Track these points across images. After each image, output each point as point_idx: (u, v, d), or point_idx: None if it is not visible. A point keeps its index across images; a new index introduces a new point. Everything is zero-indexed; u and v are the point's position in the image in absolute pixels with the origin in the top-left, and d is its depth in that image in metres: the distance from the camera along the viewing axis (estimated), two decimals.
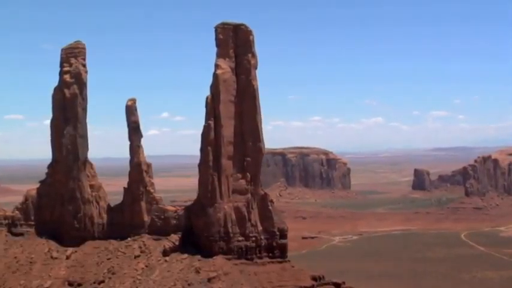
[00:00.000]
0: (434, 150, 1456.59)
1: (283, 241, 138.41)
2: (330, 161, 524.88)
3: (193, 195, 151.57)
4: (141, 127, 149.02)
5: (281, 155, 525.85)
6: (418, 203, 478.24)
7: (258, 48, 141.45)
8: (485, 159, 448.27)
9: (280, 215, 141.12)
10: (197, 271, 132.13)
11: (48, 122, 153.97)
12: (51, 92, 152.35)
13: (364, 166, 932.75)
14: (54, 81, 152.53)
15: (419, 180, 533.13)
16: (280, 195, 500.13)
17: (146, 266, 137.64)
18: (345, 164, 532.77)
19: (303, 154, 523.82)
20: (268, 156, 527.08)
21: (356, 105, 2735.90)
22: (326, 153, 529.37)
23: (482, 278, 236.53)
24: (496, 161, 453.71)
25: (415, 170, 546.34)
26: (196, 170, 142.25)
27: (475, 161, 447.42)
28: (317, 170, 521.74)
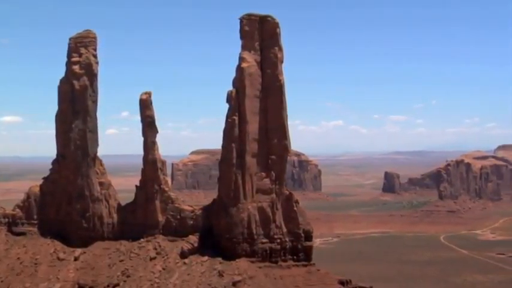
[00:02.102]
0: (393, 154, 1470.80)
1: (308, 243, 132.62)
2: (301, 163, 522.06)
3: None
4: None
5: None
6: (390, 206, 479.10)
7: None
8: (458, 163, 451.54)
9: (305, 215, 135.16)
10: (220, 274, 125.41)
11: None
12: None
13: (327, 168, 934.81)
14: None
15: (390, 183, 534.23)
16: None
17: (163, 269, 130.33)
18: (316, 165, 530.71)
19: None
20: None
21: (317, 108, 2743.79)
22: (298, 154, 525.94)
23: (473, 281, 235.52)
24: (468, 165, 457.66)
25: (386, 173, 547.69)
26: None
27: (448, 164, 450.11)
28: (289, 171, 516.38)
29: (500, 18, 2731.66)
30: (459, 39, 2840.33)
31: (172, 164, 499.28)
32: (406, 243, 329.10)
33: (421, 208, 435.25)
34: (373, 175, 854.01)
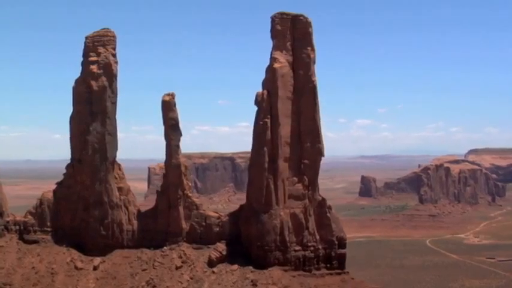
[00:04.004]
0: (359, 158, 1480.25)
1: (341, 251, 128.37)
2: None
3: None
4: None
5: (230, 160, 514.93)
6: (369, 210, 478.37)
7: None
8: (438, 167, 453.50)
9: (338, 222, 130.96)
10: (254, 284, 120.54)
11: None
12: None
13: None
14: None
15: (366, 187, 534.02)
16: (229, 201, 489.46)
17: (191, 278, 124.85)
18: None
19: None
20: (217, 160, 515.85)
21: None
22: None
23: (471, 287, 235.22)
24: (447, 169, 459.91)
25: (362, 177, 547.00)
26: None
27: (428, 168, 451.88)
28: None
29: (464, 23, 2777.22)
30: (423, 44, 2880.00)
31: (149, 168, 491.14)
32: (393, 248, 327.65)
33: (402, 212, 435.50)
34: (342, 179, 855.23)
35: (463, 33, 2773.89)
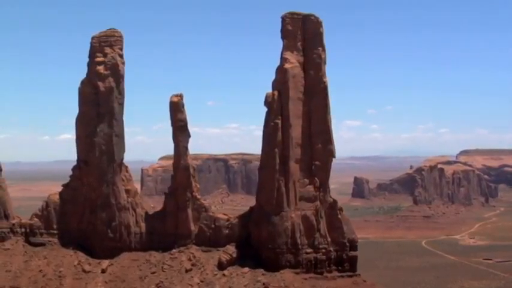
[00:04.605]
0: (349, 159, 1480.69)
1: (353, 253, 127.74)
2: None
3: None
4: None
5: (223, 161, 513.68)
6: (362, 211, 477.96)
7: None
8: (432, 168, 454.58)
9: (350, 224, 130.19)
10: (266, 287, 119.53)
11: None
12: None
13: None
14: None
15: (359, 188, 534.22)
16: (223, 202, 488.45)
17: (202, 281, 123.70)
18: None
19: (245, 161, 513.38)
20: (210, 162, 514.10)
21: None
22: None
23: None
24: (441, 170, 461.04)
25: (355, 178, 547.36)
26: None
27: (422, 169, 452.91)
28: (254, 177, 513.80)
29: (452, 22, 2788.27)
30: (411, 44, 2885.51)
31: (142, 169, 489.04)
32: (390, 249, 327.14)
33: (396, 213, 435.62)
34: (334, 180, 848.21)
35: (452, 32, 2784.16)
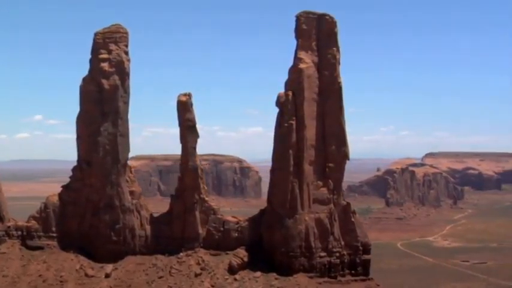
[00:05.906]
0: None
1: (366, 257, 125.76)
2: (243, 169, 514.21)
3: None
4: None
5: None
6: None
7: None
8: (403, 171, 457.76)
9: (363, 227, 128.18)
10: None
11: None
12: None
13: (264, 174, 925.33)
14: None
15: None
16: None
17: (213, 286, 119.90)
18: (257, 172, 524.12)
19: (217, 162, 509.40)
20: None
21: (236, 114, 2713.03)
22: (240, 161, 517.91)
23: None
24: (412, 173, 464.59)
25: None
26: None
27: (394, 172, 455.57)
28: (230, 178, 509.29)
29: (415, 24, 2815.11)
30: (374, 46, 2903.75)
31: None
32: None
33: (368, 215, 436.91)
34: None
35: (414, 34, 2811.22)
